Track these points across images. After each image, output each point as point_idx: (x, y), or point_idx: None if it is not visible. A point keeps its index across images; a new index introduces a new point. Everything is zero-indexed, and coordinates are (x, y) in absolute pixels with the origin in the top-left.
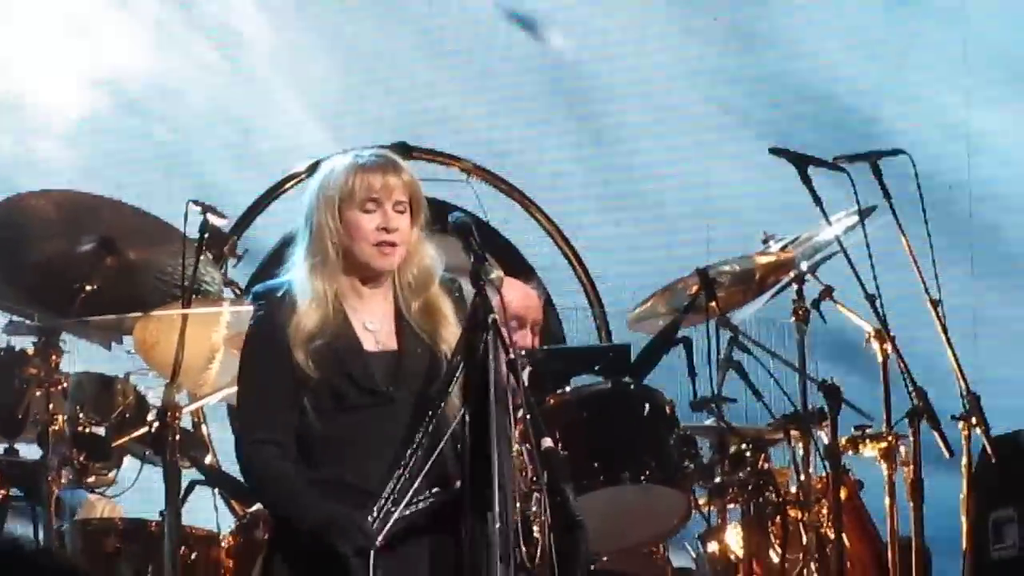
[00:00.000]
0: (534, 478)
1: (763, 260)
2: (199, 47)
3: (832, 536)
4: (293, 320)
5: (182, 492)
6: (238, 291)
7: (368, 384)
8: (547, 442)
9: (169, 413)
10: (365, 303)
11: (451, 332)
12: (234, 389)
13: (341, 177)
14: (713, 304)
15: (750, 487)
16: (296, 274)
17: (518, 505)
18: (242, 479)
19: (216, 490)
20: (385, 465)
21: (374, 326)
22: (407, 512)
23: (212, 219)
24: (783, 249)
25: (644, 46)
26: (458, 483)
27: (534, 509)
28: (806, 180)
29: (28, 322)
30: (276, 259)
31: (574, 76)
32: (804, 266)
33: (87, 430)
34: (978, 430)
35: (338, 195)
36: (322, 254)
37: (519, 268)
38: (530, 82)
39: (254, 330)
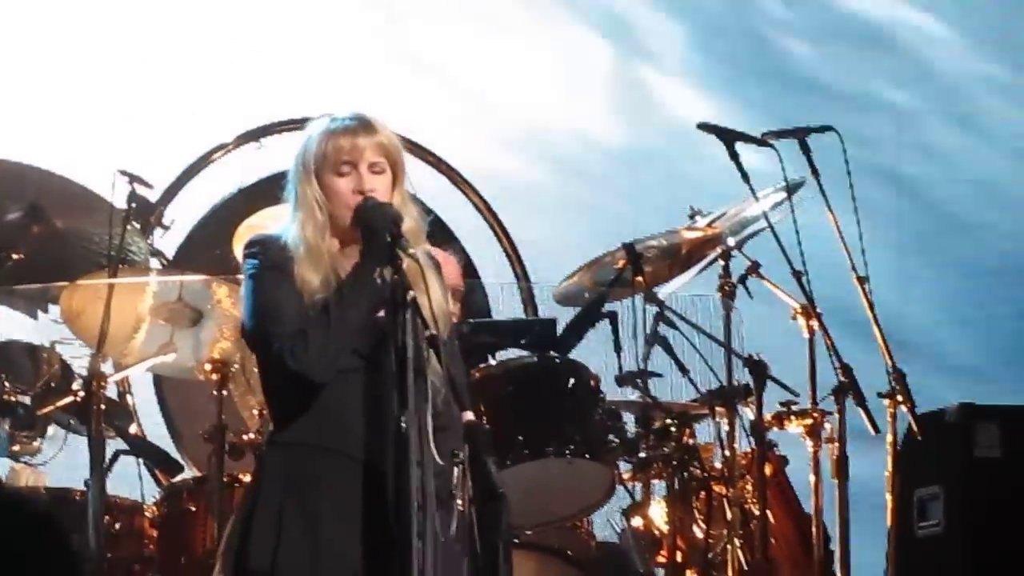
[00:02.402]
0: (456, 452)
1: (690, 235)
2: None
3: (756, 512)
4: (296, 269)
5: (107, 461)
6: (164, 261)
7: (361, 349)
8: (468, 415)
9: (94, 382)
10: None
11: (434, 301)
12: (159, 359)
13: (315, 143)
14: (639, 278)
15: (675, 462)
16: (289, 234)
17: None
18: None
19: (140, 460)
20: (366, 429)
21: None
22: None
23: (139, 189)
24: (710, 224)
25: None
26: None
27: (455, 482)
28: (734, 156)
29: None
30: (204, 229)
31: None
32: (731, 241)
33: (12, 398)
34: (904, 407)
35: (313, 161)
36: (312, 218)
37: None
38: None
39: (260, 261)
